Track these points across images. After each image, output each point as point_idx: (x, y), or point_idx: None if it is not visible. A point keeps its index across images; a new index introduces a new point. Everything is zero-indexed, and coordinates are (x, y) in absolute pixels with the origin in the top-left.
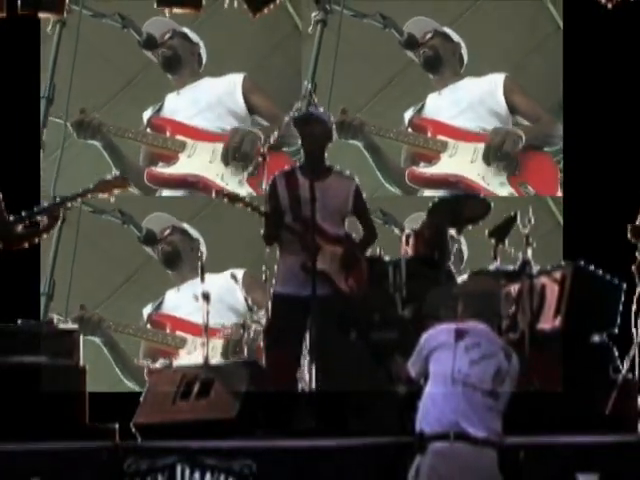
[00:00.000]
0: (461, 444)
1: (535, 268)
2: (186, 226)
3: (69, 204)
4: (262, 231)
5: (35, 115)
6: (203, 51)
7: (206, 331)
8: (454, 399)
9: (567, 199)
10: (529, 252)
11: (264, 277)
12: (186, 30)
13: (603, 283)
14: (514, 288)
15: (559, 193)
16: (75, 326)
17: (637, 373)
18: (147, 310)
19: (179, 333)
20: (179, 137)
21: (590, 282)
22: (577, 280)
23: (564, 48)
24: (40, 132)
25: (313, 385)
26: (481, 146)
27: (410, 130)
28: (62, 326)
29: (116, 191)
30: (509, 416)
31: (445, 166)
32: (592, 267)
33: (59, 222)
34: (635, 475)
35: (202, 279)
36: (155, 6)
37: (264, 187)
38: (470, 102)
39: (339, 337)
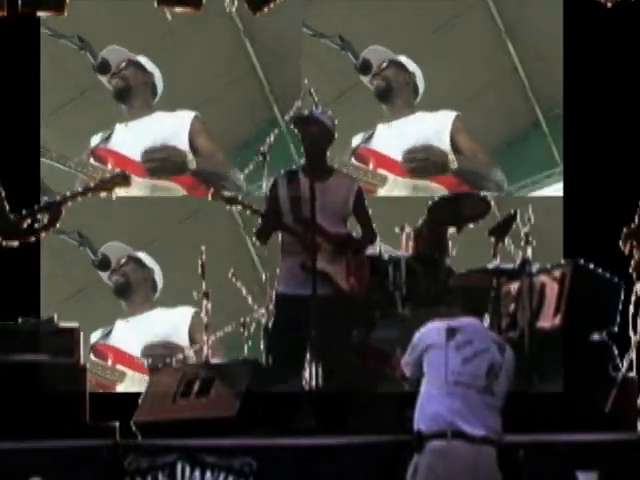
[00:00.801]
0: (458, 442)
1: (535, 266)
2: (142, 255)
3: (69, 203)
4: (255, 229)
5: (35, 114)
6: (158, 80)
7: (207, 329)
8: (448, 398)
9: (567, 199)
10: (529, 251)
11: (264, 277)
12: (142, 59)
13: (603, 281)
14: (514, 286)
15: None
16: (76, 324)
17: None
18: (96, 335)
19: (119, 367)
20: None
21: (590, 280)
22: (577, 278)
23: (564, 49)
24: (39, 131)
25: (314, 384)
26: (421, 182)
27: (353, 159)
28: (62, 324)
29: (117, 189)
30: (509, 414)
31: None
32: (592, 266)
33: (60, 220)
34: (634, 473)
35: (203, 277)
36: (155, 5)
37: (264, 187)
38: (416, 138)
39: (340, 337)
